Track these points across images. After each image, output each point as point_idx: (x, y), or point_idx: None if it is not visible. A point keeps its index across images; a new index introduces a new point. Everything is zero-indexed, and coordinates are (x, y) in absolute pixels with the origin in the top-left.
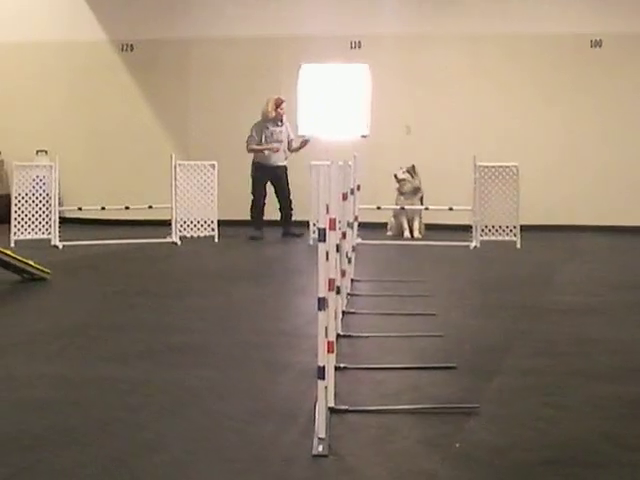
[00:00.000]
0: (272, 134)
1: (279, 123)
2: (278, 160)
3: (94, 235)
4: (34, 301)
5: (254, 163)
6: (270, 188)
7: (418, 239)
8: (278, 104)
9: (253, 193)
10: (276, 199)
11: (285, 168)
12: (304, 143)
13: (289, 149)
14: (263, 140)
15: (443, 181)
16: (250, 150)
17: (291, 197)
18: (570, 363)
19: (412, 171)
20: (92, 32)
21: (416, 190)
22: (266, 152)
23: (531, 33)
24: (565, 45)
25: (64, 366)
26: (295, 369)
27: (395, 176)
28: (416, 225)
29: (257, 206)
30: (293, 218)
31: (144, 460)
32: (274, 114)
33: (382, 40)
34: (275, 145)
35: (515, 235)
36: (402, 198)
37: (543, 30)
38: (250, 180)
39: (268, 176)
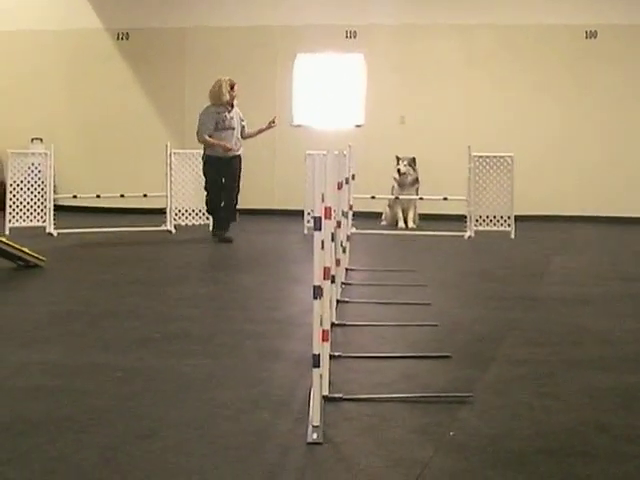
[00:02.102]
0: (224, 120)
1: (229, 108)
2: (232, 150)
3: (89, 223)
4: (29, 288)
5: (205, 156)
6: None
7: (412, 229)
8: (232, 85)
9: (207, 189)
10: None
11: (240, 159)
12: (271, 124)
13: (242, 136)
14: (214, 127)
15: (438, 171)
16: (203, 141)
17: (239, 197)
18: (564, 353)
19: (412, 163)
20: (88, 21)
21: (414, 182)
22: (220, 149)
23: (526, 24)
24: (560, 36)
25: (59, 353)
26: (289, 357)
27: (398, 170)
28: (411, 215)
29: (215, 204)
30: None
31: (139, 447)
32: (228, 97)
33: (377, 30)
34: (227, 144)
35: (509, 225)
36: (400, 190)
37: (538, 21)
38: (203, 176)
39: (222, 168)
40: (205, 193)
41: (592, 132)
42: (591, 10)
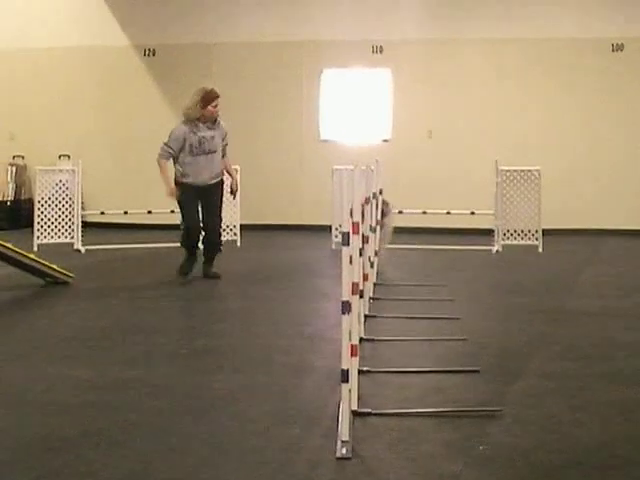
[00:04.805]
0: (202, 143)
1: (210, 125)
2: (210, 178)
3: (116, 239)
4: (58, 305)
5: (177, 183)
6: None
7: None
8: (214, 98)
9: (184, 220)
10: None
11: (220, 185)
12: (232, 190)
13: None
14: (187, 150)
15: (465, 185)
16: (159, 166)
17: (221, 227)
18: (593, 366)
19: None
20: (115, 38)
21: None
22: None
23: (552, 37)
24: (587, 49)
25: (89, 369)
26: (319, 372)
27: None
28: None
29: (193, 237)
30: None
31: (169, 463)
32: (207, 113)
33: (404, 45)
34: (172, 190)
35: (537, 239)
36: None
37: (564, 34)
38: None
39: (198, 197)
40: (181, 224)
41: (619, 145)
42: (617, 23)
